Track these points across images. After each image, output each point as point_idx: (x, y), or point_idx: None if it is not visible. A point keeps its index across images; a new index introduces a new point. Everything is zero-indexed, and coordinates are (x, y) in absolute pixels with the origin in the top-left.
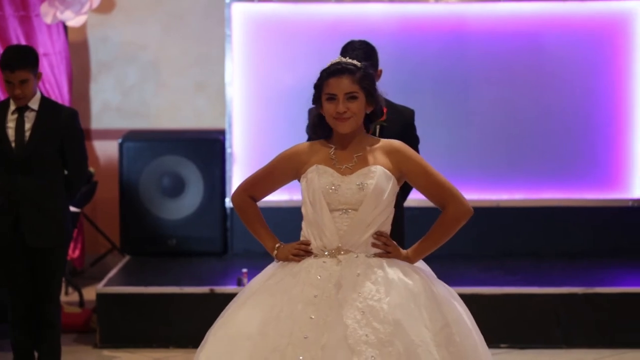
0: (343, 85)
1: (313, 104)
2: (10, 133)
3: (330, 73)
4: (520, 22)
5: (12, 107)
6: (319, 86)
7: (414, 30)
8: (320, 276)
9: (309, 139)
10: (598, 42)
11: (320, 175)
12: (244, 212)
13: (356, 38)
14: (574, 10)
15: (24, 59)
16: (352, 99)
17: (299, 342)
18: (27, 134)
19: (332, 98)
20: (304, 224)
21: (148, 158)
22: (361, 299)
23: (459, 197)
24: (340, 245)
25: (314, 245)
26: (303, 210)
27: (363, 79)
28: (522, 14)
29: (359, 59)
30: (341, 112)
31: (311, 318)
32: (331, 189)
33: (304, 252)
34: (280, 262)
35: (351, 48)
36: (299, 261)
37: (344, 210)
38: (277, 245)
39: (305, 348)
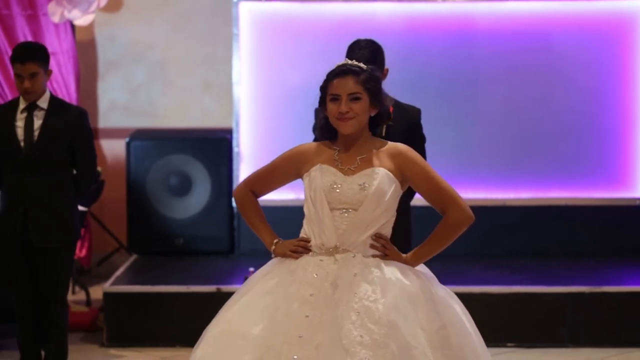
0: (347, 85)
1: (319, 106)
2: (19, 132)
3: (335, 74)
4: (527, 21)
5: (22, 105)
6: (324, 88)
7: (421, 29)
8: (316, 275)
9: (315, 139)
10: (605, 41)
11: (323, 174)
12: (245, 206)
13: (363, 37)
14: (581, 10)
15: (35, 52)
16: (356, 100)
17: (294, 341)
18: (36, 133)
19: (335, 98)
20: (304, 222)
21: (155, 157)
22: (357, 299)
23: (461, 203)
24: (338, 244)
25: (314, 243)
26: (305, 208)
27: (367, 81)
28: (529, 13)
29: (365, 58)
30: (343, 112)
31: (306, 317)
32: (333, 187)
33: (303, 248)
34: (278, 258)
35: (357, 47)
36: (296, 258)
37: (344, 210)
38: (275, 241)
39: (299, 347)
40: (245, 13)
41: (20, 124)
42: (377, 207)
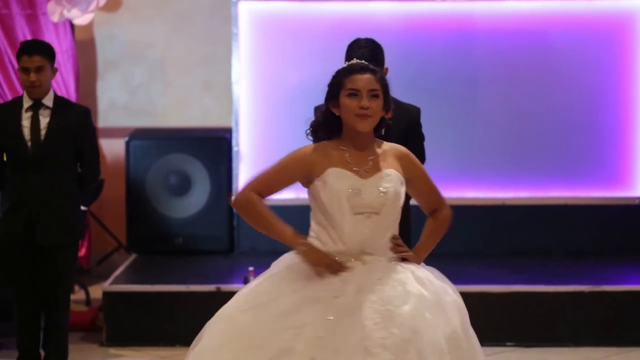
0: (367, 81)
1: (327, 102)
2: (26, 132)
3: (353, 70)
4: (527, 20)
5: (26, 104)
6: (338, 83)
7: (421, 28)
8: (342, 278)
9: (315, 140)
10: (605, 40)
11: (339, 179)
12: (257, 209)
13: (362, 36)
14: (581, 9)
15: (42, 46)
16: (374, 97)
17: (312, 341)
18: (43, 132)
19: (354, 94)
20: (317, 228)
21: (155, 156)
22: (381, 303)
23: (446, 202)
24: (363, 248)
25: (333, 250)
26: (317, 215)
27: (383, 80)
28: (529, 12)
29: (365, 57)
30: (365, 107)
31: (328, 319)
32: (353, 192)
33: (338, 269)
34: (286, 262)
35: (357, 46)
36: (318, 274)
37: (367, 214)
38: (301, 241)
39: (319, 348)
40: (245, 12)
41: (26, 123)
42: (395, 210)
